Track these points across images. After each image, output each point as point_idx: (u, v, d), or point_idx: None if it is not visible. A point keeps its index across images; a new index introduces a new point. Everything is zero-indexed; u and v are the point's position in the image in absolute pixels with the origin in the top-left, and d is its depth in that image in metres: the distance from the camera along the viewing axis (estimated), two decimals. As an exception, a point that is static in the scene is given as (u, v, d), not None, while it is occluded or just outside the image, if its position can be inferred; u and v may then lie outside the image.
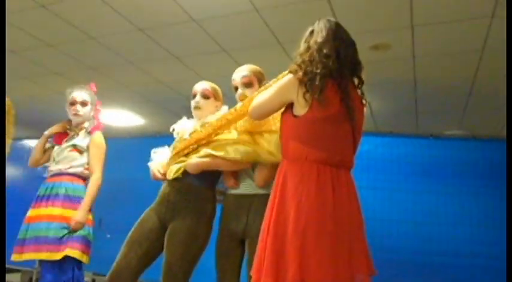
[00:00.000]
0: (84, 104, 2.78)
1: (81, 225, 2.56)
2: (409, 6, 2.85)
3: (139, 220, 2.11)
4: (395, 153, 4.03)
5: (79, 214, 2.56)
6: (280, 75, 1.78)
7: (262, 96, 1.73)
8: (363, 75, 1.69)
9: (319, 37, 1.62)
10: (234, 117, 1.96)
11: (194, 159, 1.99)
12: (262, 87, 1.83)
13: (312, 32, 1.67)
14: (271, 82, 1.81)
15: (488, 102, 4.65)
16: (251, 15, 3.10)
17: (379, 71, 3.67)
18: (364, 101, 1.71)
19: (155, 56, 3.89)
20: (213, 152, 1.95)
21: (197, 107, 2.20)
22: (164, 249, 1.99)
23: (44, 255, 2.46)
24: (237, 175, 2.04)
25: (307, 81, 1.55)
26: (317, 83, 1.53)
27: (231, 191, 2.07)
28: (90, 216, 2.66)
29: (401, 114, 5.04)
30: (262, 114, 1.76)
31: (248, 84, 2.09)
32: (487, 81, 4.07)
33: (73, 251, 2.50)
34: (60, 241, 2.49)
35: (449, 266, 3.74)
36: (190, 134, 2.10)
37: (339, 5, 2.90)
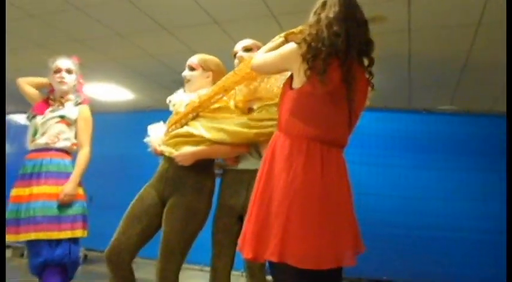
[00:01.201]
0: (69, 71, 2.70)
1: (71, 198, 2.51)
2: (406, -24, 2.77)
3: (137, 196, 2.08)
4: (389, 128, 4.02)
5: (69, 186, 2.51)
6: (276, 37, 1.78)
7: (266, 55, 1.70)
8: (373, 55, 1.61)
9: (331, 12, 1.54)
10: (230, 82, 1.94)
11: (188, 150, 1.96)
12: (261, 48, 1.81)
13: (324, 4, 1.58)
14: (270, 43, 1.78)
15: (481, 77, 4.63)
16: (244, -15, 3.00)
17: (375, 44, 3.59)
18: (371, 83, 1.65)
19: (144, 27, 3.77)
20: (210, 136, 1.93)
21: (185, 80, 2.19)
22: (163, 225, 1.97)
23: (44, 235, 2.40)
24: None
25: (310, 58, 1.49)
26: (320, 60, 1.48)
27: (231, 166, 2.04)
28: (82, 192, 2.62)
29: (395, 89, 5.00)
30: (263, 70, 1.78)
31: (249, 49, 2.12)
32: (482, 56, 4.03)
33: (75, 232, 2.49)
34: (59, 220, 2.45)
35: (441, 240, 3.80)
36: (186, 106, 2.06)
37: (334, -25, 2.81)
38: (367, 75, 1.63)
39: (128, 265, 1.99)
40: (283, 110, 1.60)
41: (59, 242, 2.44)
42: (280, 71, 1.74)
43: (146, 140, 2.23)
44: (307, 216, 1.45)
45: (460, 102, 5.22)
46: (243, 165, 2.00)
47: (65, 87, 2.69)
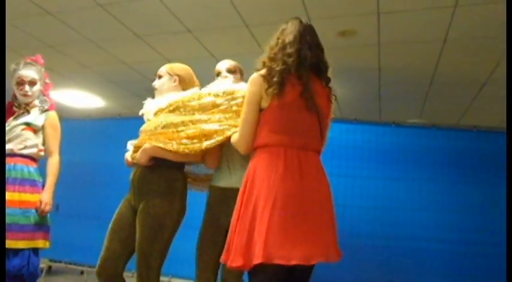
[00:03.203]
0: (32, 83, 2.58)
1: (50, 207, 2.46)
2: (376, -8, 2.85)
3: (116, 211, 2.10)
4: (359, 139, 4.08)
5: (46, 195, 2.45)
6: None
7: (240, 126, 1.78)
8: (329, 74, 1.79)
9: (287, 37, 1.74)
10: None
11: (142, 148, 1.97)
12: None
13: (283, 31, 1.78)
14: None
15: (448, 92, 4.78)
16: (217, -5, 3.01)
17: (345, 57, 3.67)
18: (332, 97, 1.81)
19: (117, 34, 3.73)
20: (158, 144, 1.92)
21: (154, 90, 2.22)
22: (136, 234, 1.96)
23: (10, 243, 2.28)
24: (219, 155, 2.01)
25: (268, 78, 1.67)
26: (275, 79, 1.66)
27: (218, 184, 2.01)
28: None
29: (365, 102, 5.11)
30: (248, 137, 1.74)
31: (232, 71, 2.18)
32: (448, 71, 4.17)
33: (36, 242, 2.40)
34: (20, 228, 2.35)
35: (409, 250, 3.86)
36: (155, 114, 2.05)
37: (307, -12, 2.87)
38: (327, 90, 1.79)
39: (119, 278, 2.01)
40: (258, 131, 1.71)
41: (16, 251, 2.33)
42: (257, 113, 1.73)
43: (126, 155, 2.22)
44: (286, 218, 1.54)
45: (428, 115, 5.37)
46: (230, 184, 1.96)
47: (29, 100, 2.59)
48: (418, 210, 4.00)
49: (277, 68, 1.68)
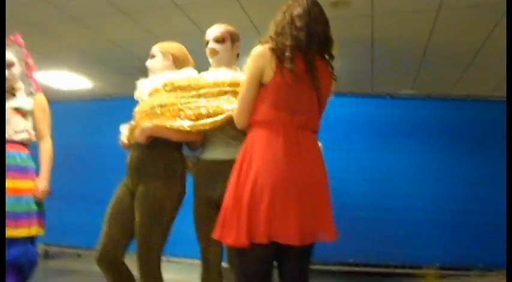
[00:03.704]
0: (10, 65, 2.47)
1: (47, 195, 2.42)
2: (370, -40, 2.76)
3: (113, 196, 2.05)
4: (353, 112, 4.05)
5: (43, 183, 2.40)
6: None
7: (239, 96, 1.73)
8: (334, 51, 1.75)
9: (294, 11, 1.69)
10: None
11: (140, 126, 1.91)
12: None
13: (289, 5, 1.73)
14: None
15: (441, 62, 4.74)
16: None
17: (338, 28, 3.51)
18: (334, 76, 1.77)
19: (102, 11, 3.60)
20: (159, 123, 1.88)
21: (148, 70, 2.14)
22: (135, 217, 1.92)
23: (9, 232, 2.22)
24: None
25: (278, 52, 1.62)
26: (287, 54, 1.61)
27: (205, 156, 1.97)
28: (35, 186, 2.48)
29: (358, 74, 5.05)
30: (248, 111, 1.69)
31: (220, 40, 2.04)
32: (442, 41, 4.12)
33: (31, 229, 2.34)
34: (15, 217, 2.28)
35: (406, 222, 3.90)
36: (149, 94, 2.00)
37: (298, -43, 2.75)
38: (329, 69, 1.75)
39: (119, 264, 1.99)
40: (257, 106, 1.67)
41: (13, 240, 2.27)
42: (257, 88, 1.69)
43: (120, 139, 2.16)
44: (288, 196, 1.55)
45: (421, 86, 5.34)
46: (217, 155, 1.93)
47: (8, 84, 2.47)
48: (413, 181, 4.02)
49: (287, 43, 1.63)
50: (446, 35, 4.01)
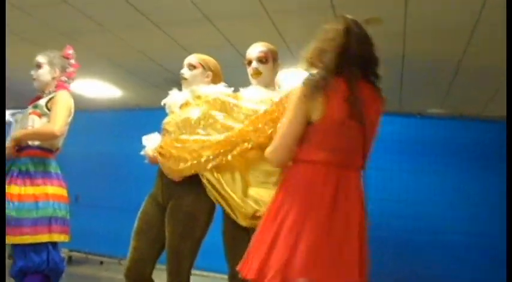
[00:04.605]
0: (38, 66, 2.59)
1: (8, 151, 2.36)
2: (404, -22, 2.72)
3: (140, 209, 2.06)
4: (381, 131, 3.98)
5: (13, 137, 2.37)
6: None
7: (277, 137, 1.63)
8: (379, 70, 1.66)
9: (331, 31, 1.59)
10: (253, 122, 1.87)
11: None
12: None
13: (331, 28, 1.62)
14: None
15: (473, 81, 4.61)
16: (237, -18, 2.92)
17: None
18: (382, 97, 1.68)
19: (134, 23, 3.66)
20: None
21: (182, 79, 2.14)
22: (166, 231, 1.92)
23: (19, 239, 2.25)
24: None
25: (313, 84, 1.53)
26: (323, 83, 1.51)
27: None
28: (65, 193, 2.50)
29: (386, 91, 4.95)
30: (288, 149, 1.60)
31: (264, 60, 2.03)
32: (475, 60, 4.01)
33: (52, 235, 2.34)
34: (34, 222, 2.29)
35: (432, 243, 3.79)
36: (180, 107, 2.01)
37: (331, -26, 2.75)
38: (376, 90, 1.66)
39: (147, 279, 1.99)
40: (300, 143, 1.59)
41: (36, 247, 2.28)
42: (301, 127, 1.60)
43: (142, 152, 2.18)
44: (316, 240, 1.46)
45: (450, 105, 5.21)
46: None
47: (36, 84, 2.58)
48: (442, 203, 3.91)
49: (323, 73, 1.53)
50: (479, 54, 3.91)
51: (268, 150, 1.64)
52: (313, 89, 1.53)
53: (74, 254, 4.64)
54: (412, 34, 3.51)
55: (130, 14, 3.49)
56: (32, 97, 2.66)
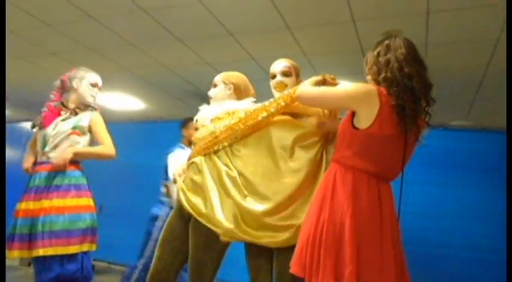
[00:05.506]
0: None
1: (60, 160, 2.48)
2: (426, -9, 2.72)
3: (166, 220, 2.11)
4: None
5: (70, 149, 2.52)
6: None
7: (322, 89, 1.71)
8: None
9: (399, 54, 1.60)
10: (268, 115, 1.92)
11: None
12: (305, 82, 1.83)
13: (388, 46, 1.64)
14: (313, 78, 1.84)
15: (498, 93, 4.54)
16: (260, -3, 2.96)
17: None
18: (427, 123, 1.72)
19: (158, 38, 3.75)
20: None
21: (209, 96, 2.23)
22: (189, 243, 1.96)
23: (53, 250, 2.36)
24: None
25: (397, 107, 1.55)
26: (409, 108, 1.54)
27: None
28: (92, 203, 2.59)
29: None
30: (314, 102, 1.75)
31: (288, 74, 2.09)
32: (499, 72, 3.95)
33: (82, 246, 2.46)
34: (68, 234, 2.41)
35: (450, 257, 3.71)
36: (211, 120, 2.06)
37: (352, -12, 2.77)
38: (424, 115, 1.69)
39: None
40: (344, 146, 1.65)
41: (70, 256, 2.40)
42: (336, 108, 1.79)
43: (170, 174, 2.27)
44: (372, 247, 1.53)
45: (475, 117, 5.13)
46: None
47: (93, 103, 2.79)
48: (466, 217, 3.83)
49: (404, 95, 1.54)
50: (504, 67, 3.85)
51: (304, 93, 1.72)
52: (372, 96, 1.56)
53: (97, 264, 4.71)
54: (434, 46, 3.49)
55: (156, 30, 3.58)
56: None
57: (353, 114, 1.65)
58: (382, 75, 1.60)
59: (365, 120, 1.57)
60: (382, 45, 1.67)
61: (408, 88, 1.56)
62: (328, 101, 1.70)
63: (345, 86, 1.70)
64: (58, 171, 2.48)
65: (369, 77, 1.70)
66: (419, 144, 1.71)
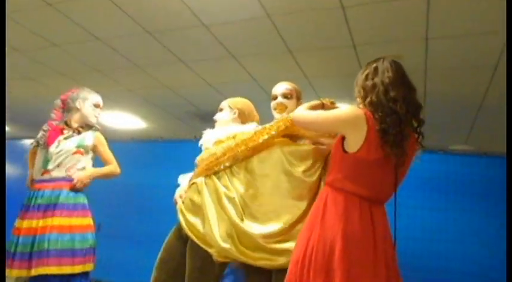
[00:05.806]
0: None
1: (81, 184, 2.58)
2: (425, 18, 2.78)
3: (166, 240, 2.13)
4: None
5: (86, 173, 2.60)
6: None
7: (315, 113, 1.73)
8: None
9: (385, 77, 1.60)
10: (269, 137, 1.95)
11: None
12: (302, 106, 1.86)
13: (376, 69, 1.65)
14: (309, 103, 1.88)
15: (497, 118, 4.57)
16: (262, 21, 3.03)
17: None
18: (420, 144, 1.73)
19: (161, 59, 3.82)
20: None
21: (214, 120, 2.28)
22: (186, 264, 1.96)
23: (57, 269, 2.34)
24: None
25: (381, 131, 1.54)
26: (392, 132, 1.53)
27: None
28: (92, 223, 2.59)
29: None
30: (308, 126, 1.78)
31: (289, 96, 2.14)
32: (499, 97, 3.99)
33: (86, 266, 2.47)
34: (73, 253, 2.40)
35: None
36: (214, 143, 2.08)
37: (353, 14, 2.83)
38: (415, 136, 1.69)
39: None
40: (336, 169, 1.65)
41: (71, 276, 2.38)
42: (328, 132, 1.80)
43: (177, 192, 2.29)
44: (364, 270, 1.51)
45: (474, 142, 5.15)
46: None
47: (96, 122, 2.84)
48: (467, 243, 3.80)
49: (388, 120, 1.54)
50: (503, 91, 3.89)
51: (299, 116, 1.75)
52: (360, 121, 1.57)
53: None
54: (433, 71, 3.55)
55: (160, 52, 3.65)
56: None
57: (343, 137, 1.66)
58: (368, 99, 1.62)
59: (354, 144, 1.58)
60: (370, 68, 1.69)
61: (393, 111, 1.55)
62: (321, 125, 1.72)
63: (336, 111, 1.73)
64: (77, 191, 2.57)
65: (358, 100, 1.72)
66: (414, 164, 1.71)
